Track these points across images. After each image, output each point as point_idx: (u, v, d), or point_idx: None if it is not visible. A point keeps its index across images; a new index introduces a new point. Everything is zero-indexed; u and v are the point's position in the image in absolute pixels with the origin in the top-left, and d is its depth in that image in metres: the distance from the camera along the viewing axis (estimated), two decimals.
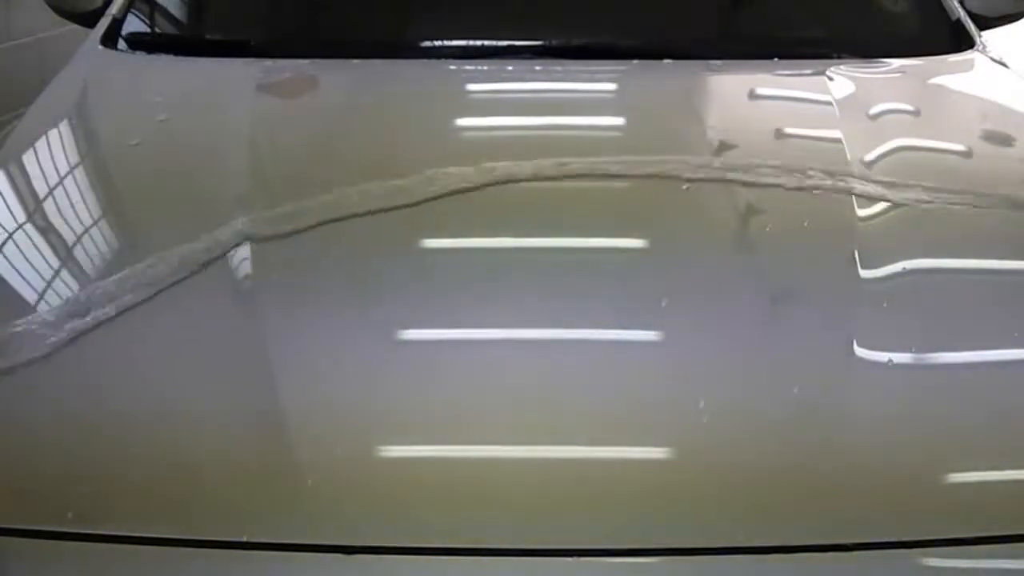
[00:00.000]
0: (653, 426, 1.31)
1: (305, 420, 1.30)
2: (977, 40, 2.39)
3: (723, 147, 1.93)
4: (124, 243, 1.70)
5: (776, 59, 2.27)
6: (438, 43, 2.33)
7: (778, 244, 1.63)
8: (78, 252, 1.66)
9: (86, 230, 1.71)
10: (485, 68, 2.29)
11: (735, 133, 1.97)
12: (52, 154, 1.97)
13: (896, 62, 2.31)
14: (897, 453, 1.29)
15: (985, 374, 1.44)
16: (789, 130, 2.06)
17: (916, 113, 2.18)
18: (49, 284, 1.58)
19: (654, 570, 1.20)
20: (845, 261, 1.57)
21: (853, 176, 1.76)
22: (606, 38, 2.34)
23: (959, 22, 2.43)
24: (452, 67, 2.28)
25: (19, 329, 1.41)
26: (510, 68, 2.28)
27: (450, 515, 1.21)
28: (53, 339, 1.39)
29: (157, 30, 2.53)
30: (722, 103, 2.21)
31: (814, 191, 1.72)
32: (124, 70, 2.31)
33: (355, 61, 2.26)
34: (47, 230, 1.73)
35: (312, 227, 1.60)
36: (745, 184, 1.72)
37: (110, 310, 1.44)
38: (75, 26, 2.71)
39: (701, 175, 1.74)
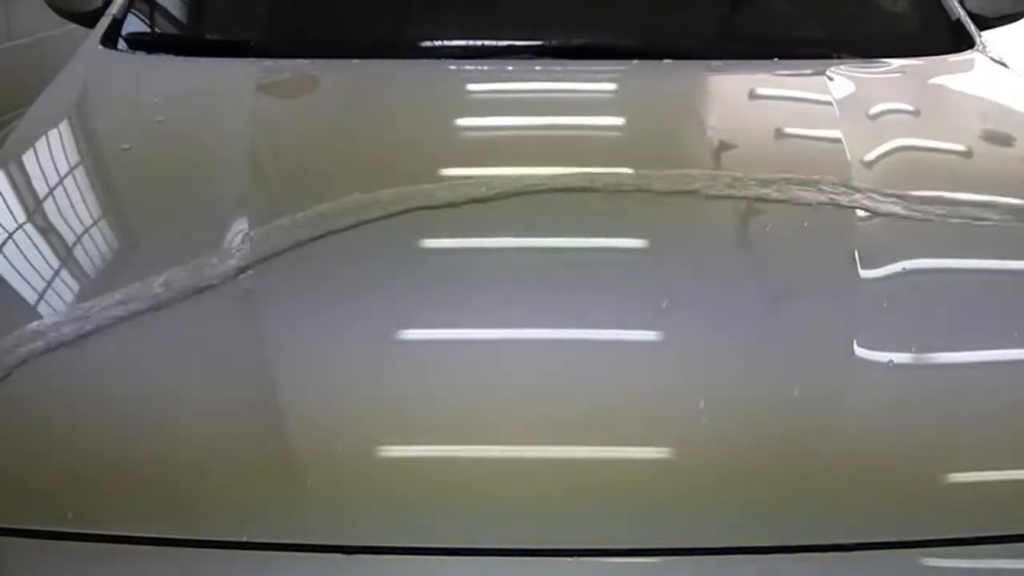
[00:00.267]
0: (653, 426, 1.31)
1: (305, 420, 1.30)
2: (977, 40, 2.39)
3: (723, 147, 1.93)
4: (124, 244, 1.70)
5: (776, 59, 2.27)
6: (438, 43, 2.33)
7: (778, 244, 1.63)
8: (78, 252, 1.66)
9: (86, 230, 1.71)
10: (485, 68, 2.29)
11: (735, 133, 1.98)
12: (52, 154, 1.97)
13: (896, 62, 2.31)
14: (897, 453, 1.29)
15: (985, 374, 1.44)
16: (789, 130, 2.06)
17: (916, 113, 2.18)
18: (49, 284, 1.58)
19: (654, 570, 1.20)
20: (845, 261, 1.57)
21: (859, 191, 1.73)
22: (606, 38, 2.34)
23: (959, 22, 2.43)
24: (452, 67, 2.29)
25: (22, 332, 1.41)
26: (510, 68, 2.28)
27: (450, 515, 1.21)
28: (55, 341, 1.39)
29: (157, 30, 2.53)
30: (722, 103, 2.21)
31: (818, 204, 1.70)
32: (124, 70, 2.31)
33: (355, 61, 2.26)
34: (47, 230, 1.73)
35: (314, 238, 1.59)
36: (746, 199, 1.71)
37: (116, 312, 1.44)
38: (75, 26, 2.71)
39: (710, 191, 1.72)
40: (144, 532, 1.21)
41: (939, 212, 1.69)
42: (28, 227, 1.74)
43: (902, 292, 1.54)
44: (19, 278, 1.59)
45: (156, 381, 1.38)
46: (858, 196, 1.70)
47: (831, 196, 1.72)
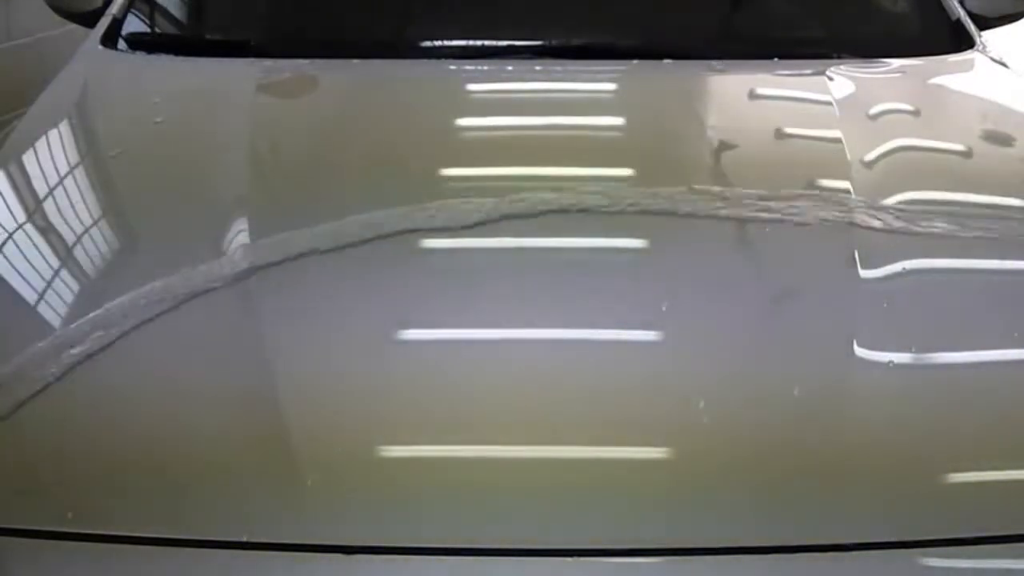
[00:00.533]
0: (653, 426, 1.31)
1: (305, 420, 1.30)
2: (977, 40, 2.39)
3: (723, 147, 1.93)
4: (124, 244, 1.70)
5: (776, 59, 2.27)
6: (438, 43, 2.33)
7: (778, 244, 1.63)
8: (78, 252, 1.66)
9: (86, 230, 1.71)
10: (485, 68, 2.29)
11: (735, 133, 1.98)
12: (52, 154, 1.97)
13: (896, 62, 2.31)
14: (897, 453, 1.29)
15: (985, 374, 1.44)
16: (789, 130, 2.06)
17: (916, 113, 2.18)
18: (49, 284, 1.58)
19: (654, 570, 1.21)
20: (845, 261, 1.57)
21: (861, 207, 1.70)
22: (606, 38, 2.34)
23: (959, 22, 2.43)
24: (452, 67, 2.28)
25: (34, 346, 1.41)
26: (510, 68, 2.28)
27: (450, 515, 1.21)
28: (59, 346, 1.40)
29: (157, 30, 2.53)
30: (722, 103, 2.21)
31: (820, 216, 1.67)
32: (124, 70, 2.31)
33: (355, 61, 2.26)
34: (47, 230, 1.73)
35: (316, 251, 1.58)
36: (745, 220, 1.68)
37: (125, 321, 1.44)
38: (75, 26, 2.71)
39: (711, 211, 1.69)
40: (144, 532, 1.21)
41: (943, 226, 1.68)
42: (28, 227, 1.74)
43: (902, 292, 1.54)
44: (19, 278, 1.59)
45: (156, 381, 1.38)
46: (859, 213, 1.67)
47: (833, 213, 1.71)
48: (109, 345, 1.42)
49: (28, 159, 1.92)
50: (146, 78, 2.26)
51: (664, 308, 1.47)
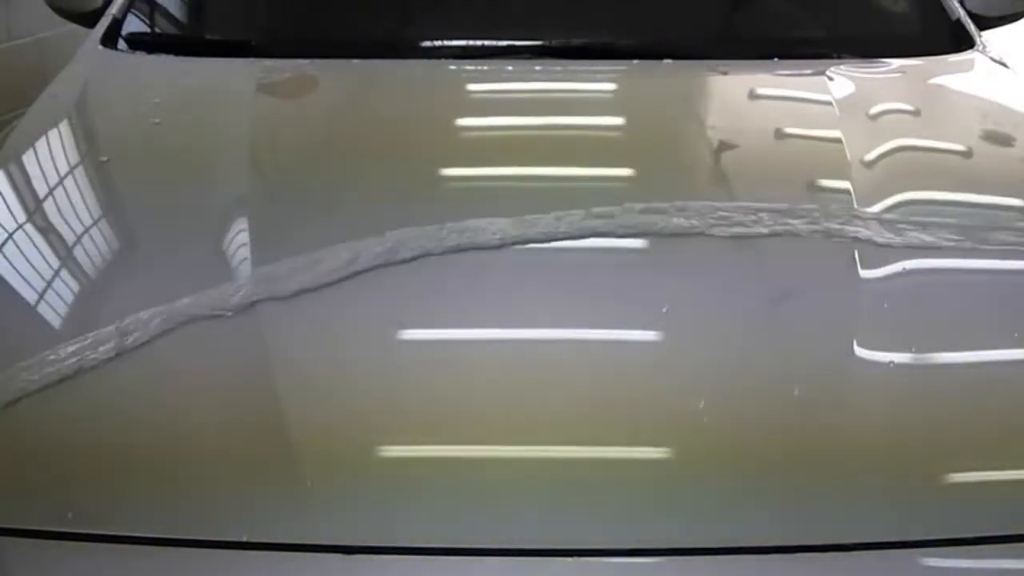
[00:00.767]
0: (653, 426, 1.31)
1: (305, 421, 1.30)
2: (977, 40, 2.39)
3: (723, 147, 1.93)
4: (124, 245, 1.70)
5: (776, 59, 2.27)
6: (438, 43, 2.33)
7: (779, 244, 1.63)
8: (78, 253, 1.66)
9: (86, 231, 1.71)
10: (485, 68, 2.29)
11: (735, 133, 1.97)
12: (52, 154, 1.97)
13: (896, 62, 2.31)
14: (897, 453, 1.29)
15: (985, 374, 1.44)
16: (789, 130, 2.06)
17: (916, 113, 2.18)
18: (48, 284, 1.58)
19: (654, 570, 1.21)
20: (845, 261, 1.57)
21: (861, 219, 1.67)
22: (606, 38, 2.34)
23: (959, 22, 2.44)
24: (452, 67, 2.28)
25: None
26: (510, 68, 2.28)
27: (450, 515, 1.21)
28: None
29: (157, 30, 2.53)
30: (722, 103, 2.21)
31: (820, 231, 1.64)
32: (124, 70, 2.31)
33: (355, 61, 2.26)
34: (47, 230, 1.73)
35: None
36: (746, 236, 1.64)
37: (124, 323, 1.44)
38: (75, 26, 2.71)
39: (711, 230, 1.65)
40: (144, 532, 1.21)
41: (949, 238, 1.65)
42: (28, 227, 1.73)
43: (902, 292, 1.54)
44: (19, 278, 1.59)
45: (156, 381, 1.38)
46: (862, 229, 1.64)
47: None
48: (109, 345, 1.42)
49: (28, 159, 1.92)
50: (146, 78, 2.26)
51: (664, 310, 1.47)
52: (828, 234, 1.62)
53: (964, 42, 2.39)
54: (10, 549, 1.20)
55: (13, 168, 1.88)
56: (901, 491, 1.26)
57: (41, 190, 1.84)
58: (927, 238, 1.63)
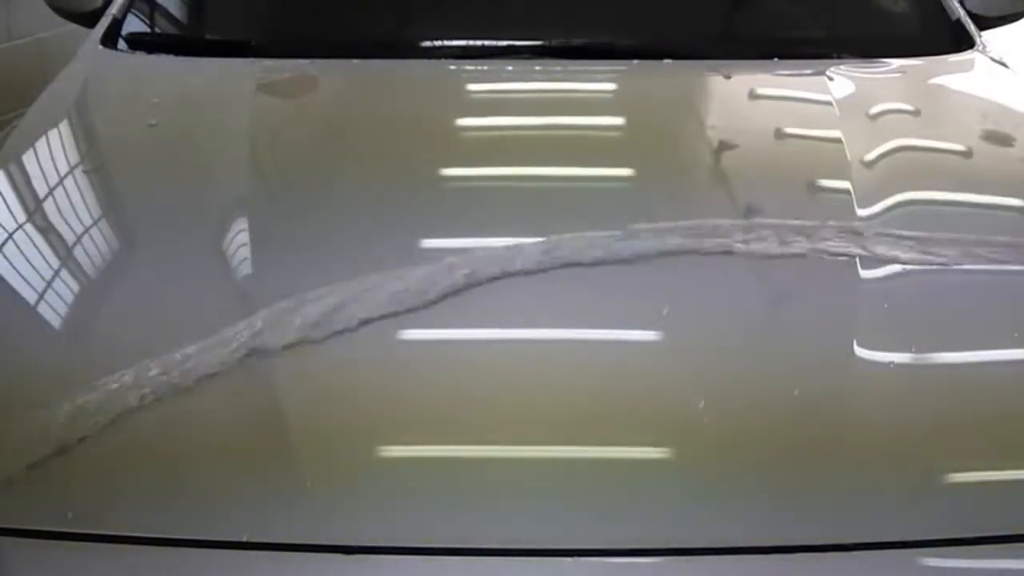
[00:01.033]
0: (653, 426, 1.31)
1: (305, 421, 1.30)
2: (977, 40, 2.39)
3: (723, 147, 1.93)
4: (124, 245, 1.70)
5: (776, 59, 2.27)
6: (438, 43, 2.33)
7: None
8: (78, 253, 1.66)
9: (86, 231, 1.71)
10: (485, 68, 2.29)
11: (735, 134, 1.97)
12: (52, 154, 1.97)
13: (896, 62, 2.31)
14: (897, 453, 1.29)
15: (985, 374, 1.45)
16: (789, 130, 2.06)
17: (916, 113, 2.18)
18: (48, 285, 1.58)
19: (654, 570, 1.20)
20: (845, 261, 1.57)
21: (864, 235, 1.63)
22: (606, 38, 2.34)
23: (959, 22, 2.43)
24: (452, 67, 2.29)
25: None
26: (510, 68, 2.28)
27: (450, 515, 1.21)
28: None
29: (157, 30, 2.53)
30: (722, 103, 2.21)
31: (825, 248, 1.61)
32: (124, 70, 2.31)
33: (355, 61, 2.26)
34: (47, 231, 1.73)
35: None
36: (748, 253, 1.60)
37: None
38: (75, 26, 2.71)
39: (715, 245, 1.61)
40: (144, 532, 1.21)
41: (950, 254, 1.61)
42: (28, 227, 1.73)
43: (902, 292, 1.54)
44: (19, 278, 1.59)
45: (156, 381, 1.38)
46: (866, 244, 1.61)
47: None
48: (109, 345, 1.42)
49: (28, 159, 1.92)
50: (146, 78, 2.26)
51: (665, 312, 1.47)
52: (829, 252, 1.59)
53: (964, 42, 2.38)
54: (10, 549, 1.20)
55: (13, 168, 1.88)
56: (901, 491, 1.26)
57: (41, 190, 1.84)
58: (927, 256, 1.61)
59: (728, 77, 2.19)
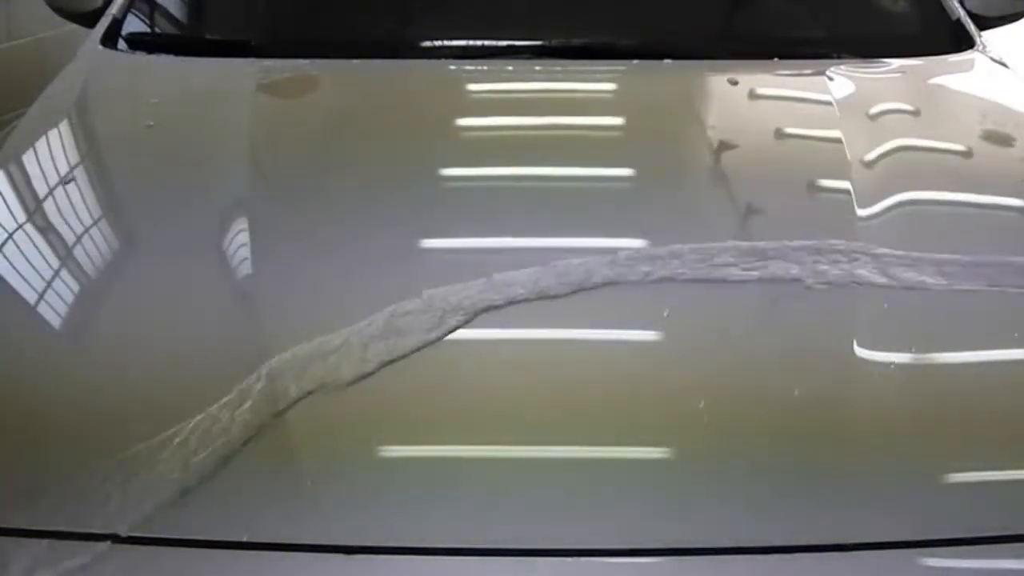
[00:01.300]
0: (654, 426, 1.31)
1: (305, 421, 1.30)
2: (977, 40, 2.39)
3: (723, 147, 1.93)
4: (124, 245, 1.70)
5: (776, 59, 2.27)
6: (438, 43, 2.33)
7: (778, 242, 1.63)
8: (77, 253, 1.66)
9: (86, 231, 1.71)
10: (485, 68, 2.29)
11: (735, 134, 1.98)
12: (52, 154, 1.97)
13: (896, 62, 2.31)
14: (897, 453, 1.29)
15: (985, 374, 1.45)
16: (789, 130, 2.06)
17: (916, 113, 2.18)
18: (48, 285, 1.58)
19: (654, 570, 1.20)
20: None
21: (867, 254, 1.60)
22: (606, 38, 2.34)
23: (959, 22, 2.44)
24: (452, 67, 2.29)
25: None
26: (510, 68, 2.28)
27: (450, 515, 1.21)
28: None
29: (157, 30, 2.53)
30: (722, 103, 2.21)
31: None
32: (124, 70, 2.31)
33: (355, 61, 2.26)
34: (47, 231, 1.73)
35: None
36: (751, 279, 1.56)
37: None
38: (75, 26, 2.71)
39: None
40: (144, 532, 1.21)
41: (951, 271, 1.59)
42: (28, 227, 1.73)
43: (902, 291, 1.54)
44: (19, 278, 1.59)
45: (157, 382, 1.38)
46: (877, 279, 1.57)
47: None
48: (109, 346, 1.42)
49: (28, 159, 1.92)
50: (146, 78, 2.26)
51: (666, 313, 1.47)
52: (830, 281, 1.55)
53: (964, 42, 2.39)
54: (10, 549, 1.20)
55: (13, 168, 1.88)
56: (901, 491, 1.26)
57: (41, 190, 1.84)
58: (927, 279, 1.59)
59: (735, 83, 2.18)
